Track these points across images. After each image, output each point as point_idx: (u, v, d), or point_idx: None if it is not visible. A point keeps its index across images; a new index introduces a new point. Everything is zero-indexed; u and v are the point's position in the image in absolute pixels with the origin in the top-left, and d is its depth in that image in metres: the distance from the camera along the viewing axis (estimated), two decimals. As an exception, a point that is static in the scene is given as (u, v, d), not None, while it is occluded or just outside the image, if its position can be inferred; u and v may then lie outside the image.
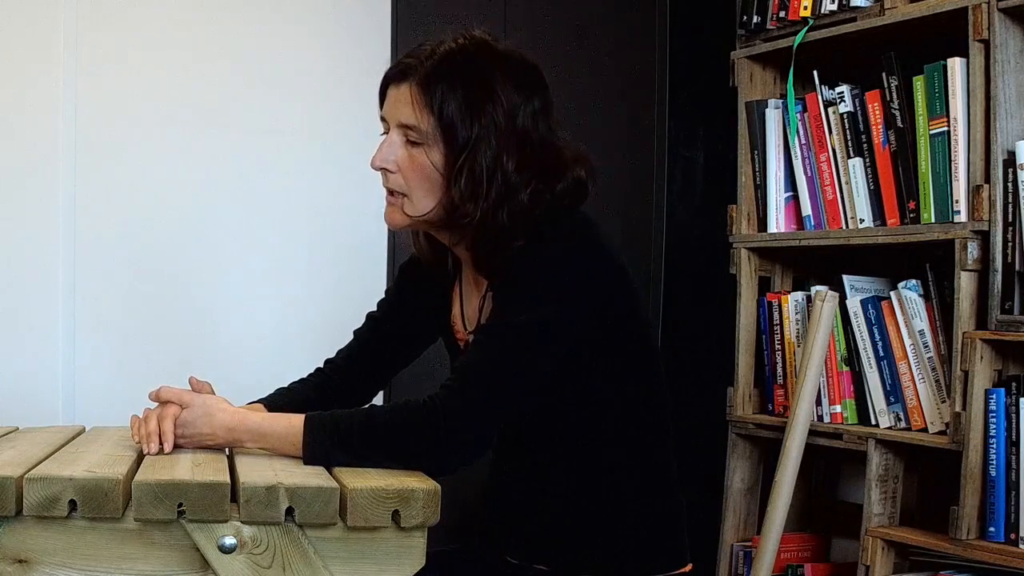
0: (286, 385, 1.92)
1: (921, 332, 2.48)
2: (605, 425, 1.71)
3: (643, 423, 1.73)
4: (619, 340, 1.70)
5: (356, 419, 1.56)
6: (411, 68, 1.65)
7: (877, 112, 2.55)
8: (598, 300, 1.64)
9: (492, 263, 1.68)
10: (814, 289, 2.64)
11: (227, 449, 1.62)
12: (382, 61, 1.73)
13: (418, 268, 1.90)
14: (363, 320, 1.96)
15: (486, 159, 1.63)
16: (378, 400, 1.97)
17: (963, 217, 2.36)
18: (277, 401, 1.86)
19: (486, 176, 1.63)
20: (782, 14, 2.75)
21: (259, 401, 1.86)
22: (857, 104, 2.60)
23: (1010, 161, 2.28)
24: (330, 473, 1.48)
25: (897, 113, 2.50)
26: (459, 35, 1.68)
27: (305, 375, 1.95)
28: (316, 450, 1.54)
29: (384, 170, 1.69)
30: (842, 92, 2.63)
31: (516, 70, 1.67)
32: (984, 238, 2.32)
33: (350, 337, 1.95)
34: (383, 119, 1.71)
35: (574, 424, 1.71)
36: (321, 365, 1.95)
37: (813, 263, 2.88)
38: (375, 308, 1.96)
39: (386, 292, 1.97)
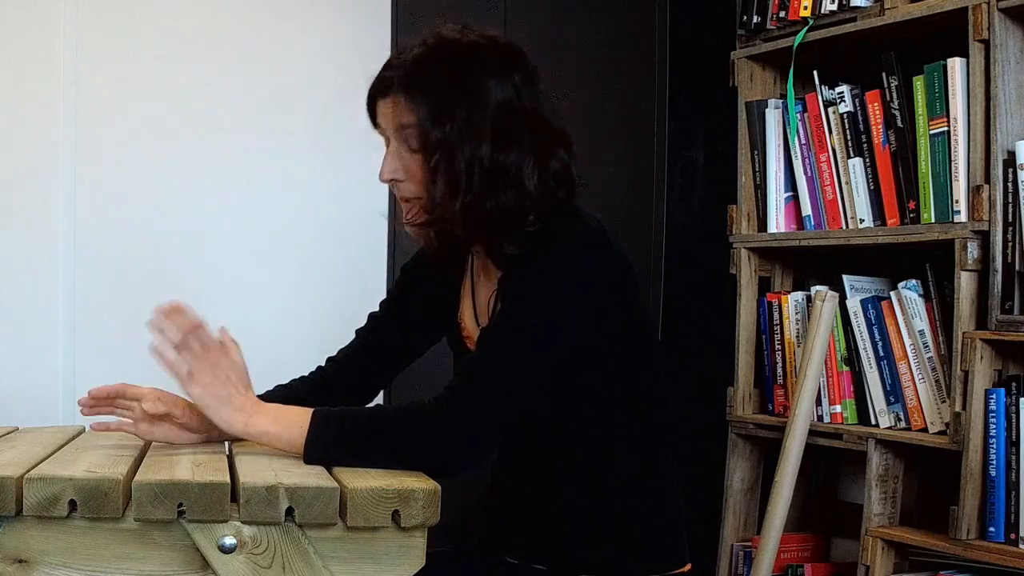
0: (286, 383, 1.92)
1: (921, 332, 2.48)
2: (605, 425, 1.71)
3: (643, 423, 1.73)
4: (621, 341, 1.70)
5: (359, 418, 1.56)
6: (389, 81, 1.67)
7: (877, 112, 2.55)
8: (603, 302, 1.64)
9: (504, 252, 1.67)
10: (814, 289, 2.64)
11: (227, 448, 1.62)
12: (382, 61, 1.74)
13: (421, 267, 1.90)
14: (365, 320, 1.96)
15: (464, 155, 1.62)
16: (378, 400, 1.97)
17: (963, 217, 2.36)
18: (277, 399, 1.85)
19: (465, 171, 1.62)
20: (782, 14, 2.75)
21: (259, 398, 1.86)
22: (857, 104, 2.60)
23: (1010, 161, 2.27)
24: (330, 473, 1.47)
25: (897, 113, 2.50)
26: (428, 37, 1.69)
27: (306, 373, 1.95)
28: (317, 447, 1.54)
29: (393, 181, 1.69)
30: (842, 92, 2.63)
31: (486, 56, 1.66)
32: (984, 238, 2.32)
33: (351, 337, 1.95)
34: (379, 128, 1.72)
35: (574, 424, 1.70)
36: (323, 364, 1.95)
37: (813, 263, 2.88)
38: (377, 308, 1.96)
39: (388, 292, 1.96)
